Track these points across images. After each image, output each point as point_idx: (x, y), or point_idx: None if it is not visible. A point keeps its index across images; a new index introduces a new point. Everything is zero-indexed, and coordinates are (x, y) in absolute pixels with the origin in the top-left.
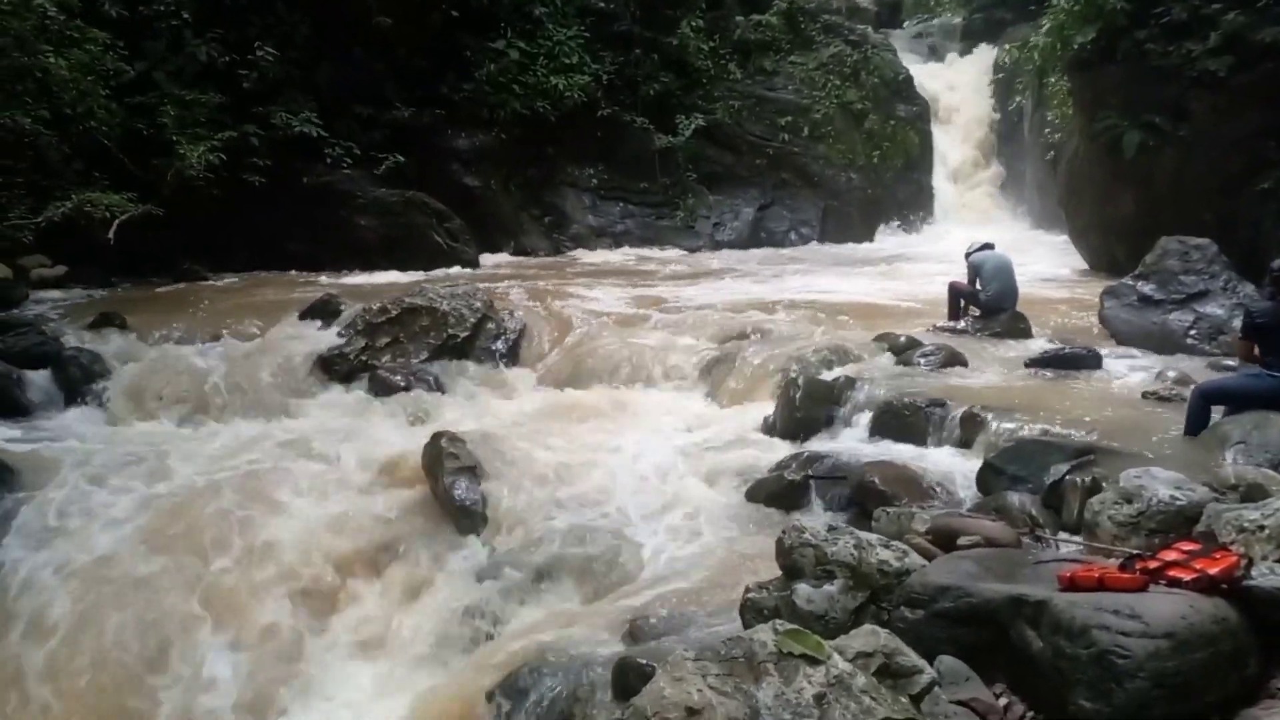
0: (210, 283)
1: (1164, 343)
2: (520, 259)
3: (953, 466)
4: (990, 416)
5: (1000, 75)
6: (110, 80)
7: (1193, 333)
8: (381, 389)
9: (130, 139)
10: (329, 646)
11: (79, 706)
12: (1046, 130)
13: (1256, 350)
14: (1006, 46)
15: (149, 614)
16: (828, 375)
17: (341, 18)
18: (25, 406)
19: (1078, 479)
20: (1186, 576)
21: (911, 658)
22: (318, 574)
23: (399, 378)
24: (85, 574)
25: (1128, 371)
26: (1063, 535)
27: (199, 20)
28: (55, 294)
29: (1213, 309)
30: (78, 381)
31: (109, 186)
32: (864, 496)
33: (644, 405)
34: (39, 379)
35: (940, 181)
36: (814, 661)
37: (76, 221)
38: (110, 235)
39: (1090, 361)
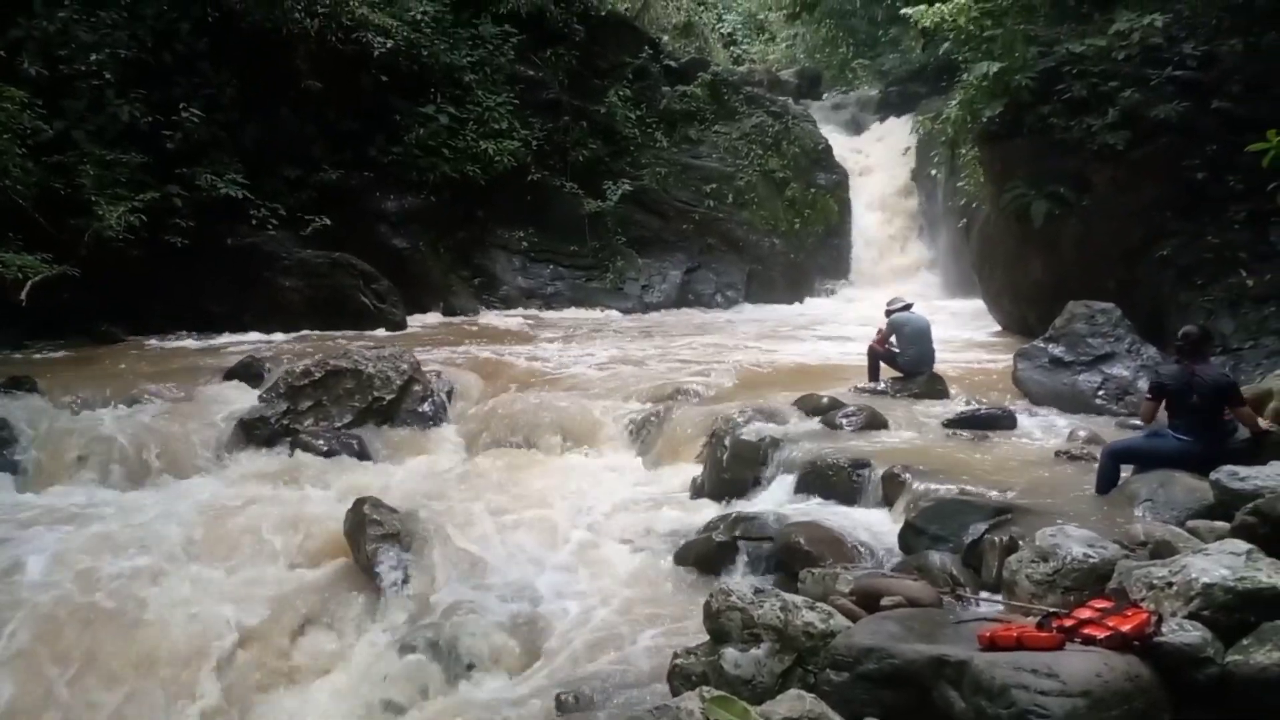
0: (128, 344)
1: (1074, 403)
2: (449, 320)
3: (876, 526)
4: (911, 477)
5: (916, 146)
6: (26, 139)
7: (1101, 393)
8: (304, 453)
9: (47, 198)
10: None
11: None
12: (959, 199)
13: (1163, 411)
14: (920, 118)
15: (44, 699)
16: (754, 436)
17: (270, 79)
18: None
19: (996, 538)
20: (1100, 634)
21: None
22: (233, 646)
23: (321, 442)
24: None
25: (1041, 431)
26: (983, 594)
27: (122, 80)
28: None
29: (1119, 370)
30: None
31: (22, 247)
32: (790, 557)
33: (572, 467)
34: None
35: (860, 247)
36: None
37: None
38: (22, 297)
39: (1006, 422)
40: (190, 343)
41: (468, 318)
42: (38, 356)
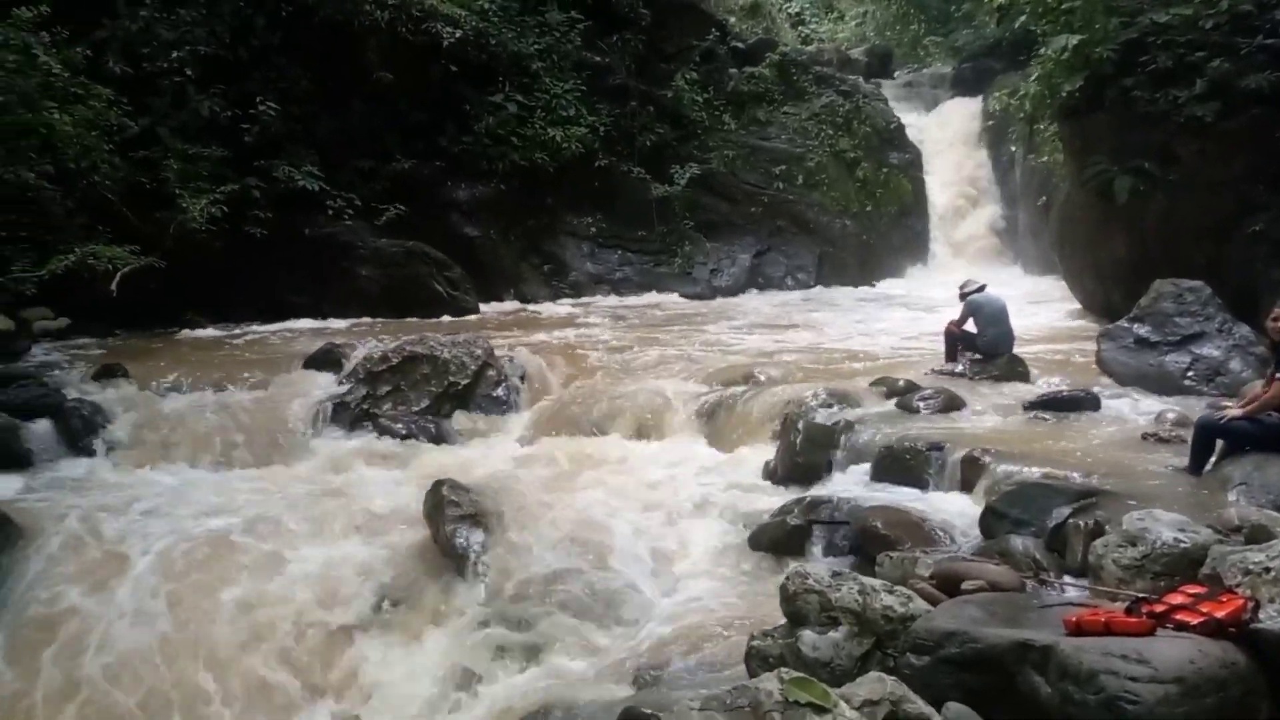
0: (212, 333)
1: (1162, 384)
2: (520, 306)
3: (954, 510)
4: (991, 460)
5: (991, 123)
6: (114, 135)
7: (1190, 374)
8: (383, 436)
9: (133, 193)
10: (329, 695)
11: None
12: (1037, 176)
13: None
14: (996, 95)
15: (149, 665)
16: (828, 420)
17: (342, 72)
18: (27, 458)
19: (1080, 522)
20: (1193, 620)
21: (919, 705)
22: (319, 622)
23: (400, 425)
24: (86, 626)
25: (1127, 413)
26: (1067, 579)
27: (202, 76)
28: (58, 346)
29: (1209, 350)
30: (79, 432)
31: (112, 240)
32: (866, 541)
33: (645, 451)
34: (40, 430)
35: (935, 227)
36: (820, 710)
37: (79, 274)
38: (113, 288)
39: (1089, 403)
40: (271, 331)
41: (537, 304)
42: (127, 345)
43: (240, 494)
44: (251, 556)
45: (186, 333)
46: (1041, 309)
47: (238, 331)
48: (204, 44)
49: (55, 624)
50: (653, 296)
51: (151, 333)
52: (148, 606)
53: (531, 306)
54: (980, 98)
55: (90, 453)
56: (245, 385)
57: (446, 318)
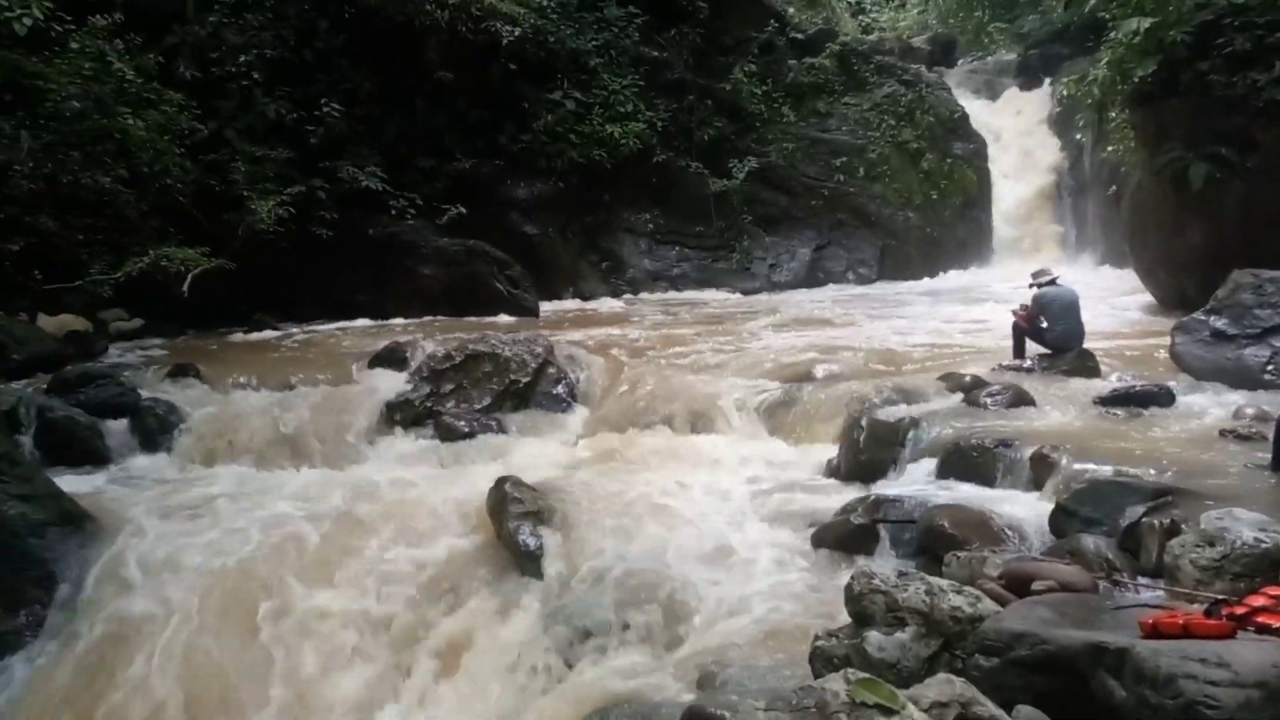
0: (280, 333)
1: (1240, 378)
2: (578, 304)
3: (1023, 509)
4: (1061, 457)
5: (1059, 110)
6: (185, 139)
7: (1270, 367)
8: (447, 435)
9: (203, 195)
10: (391, 688)
11: None
12: (1107, 165)
13: None
14: (1064, 81)
15: (222, 658)
16: (892, 416)
17: (404, 73)
18: (105, 455)
19: (1155, 521)
20: (1276, 623)
21: (989, 707)
22: (383, 618)
23: (463, 423)
24: (160, 620)
25: (1203, 409)
26: (1142, 580)
27: (268, 79)
28: (132, 346)
29: None
30: (154, 430)
31: (183, 241)
32: (933, 541)
33: (706, 448)
34: (117, 428)
35: (1000, 219)
36: (888, 711)
37: (153, 276)
38: (184, 289)
39: (1163, 399)
40: (336, 329)
41: (596, 301)
42: (198, 345)
43: (309, 491)
44: (320, 552)
45: (255, 333)
46: (1112, 302)
47: (304, 331)
48: (270, 47)
49: (131, 618)
50: (711, 292)
51: (221, 333)
52: (219, 601)
53: (590, 304)
54: (1047, 85)
55: (165, 450)
56: (312, 384)
57: (506, 316)
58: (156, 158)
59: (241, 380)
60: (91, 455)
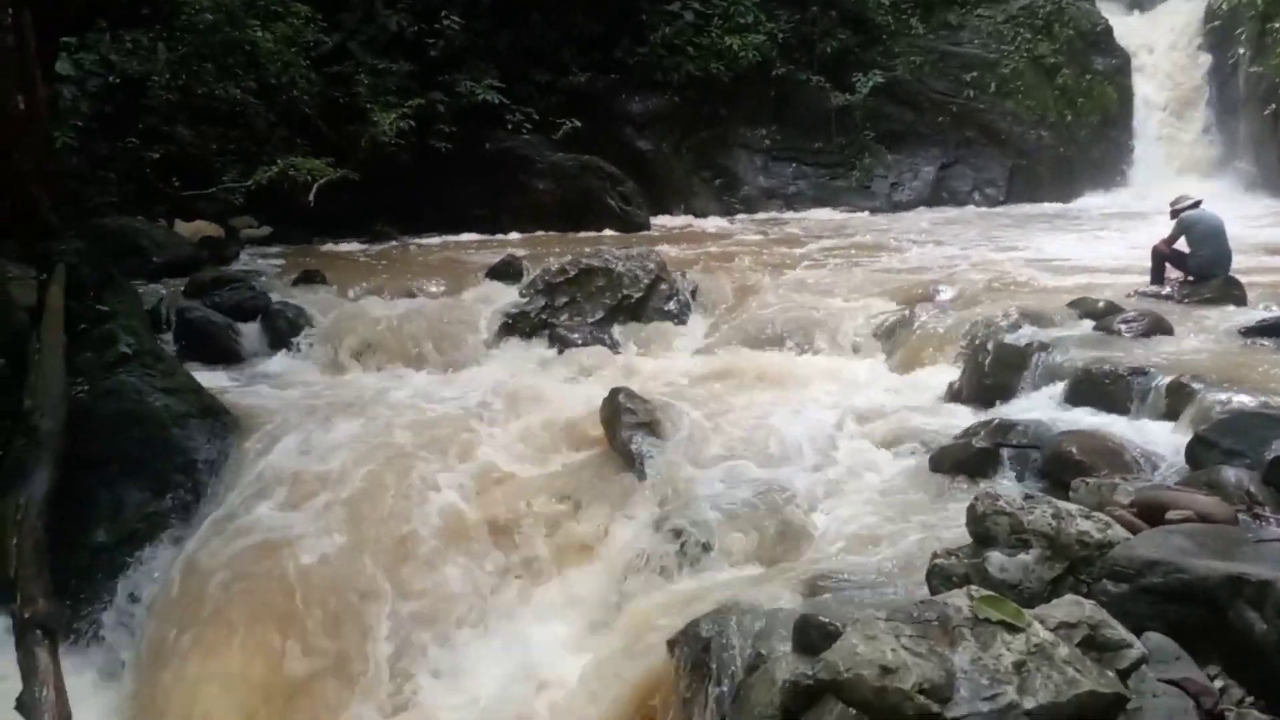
0: (400, 244)
1: None
2: (690, 221)
3: (1156, 439)
4: (1200, 387)
5: (1214, 24)
6: (310, 51)
7: None
8: (561, 346)
9: (328, 107)
10: (506, 588)
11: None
12: (1264, 82)
13: None
14: None
15: (351, 554)
16: (1020, 340)
17: None
18: (239, 355)
19: None
20: None
21: (1120, 631)
22: (504, 519)
23: (576, 336)
24: (292, 517)
25: None
26: None
27: None
28: (260, 253)
29: None
30: (284, 332)
31: (309, 152)
32: (1059, 467)
33: (820, 368)
34: (249, 330)
35: (1141, 138)
36: (1013, 629)
37: (280, 185)
38: (310, 198)
39: None
40: (453, 242)
41: (708, 219)
42: (322, 252)
43: (430, 395)
44: (442, 454)
45: (376, 243)
46: (1263, 228)
47: (422, 242)
48: None
49: (269, 507)
50: (828, 211)
51: (344, 242)
52: (348, 499)
53: (702, 221)
54: None
55: (294, 352)
56: (432, 294)
57: (618, 232)
58: (284, 69)
59: (365, 287)
60: (226, 355)
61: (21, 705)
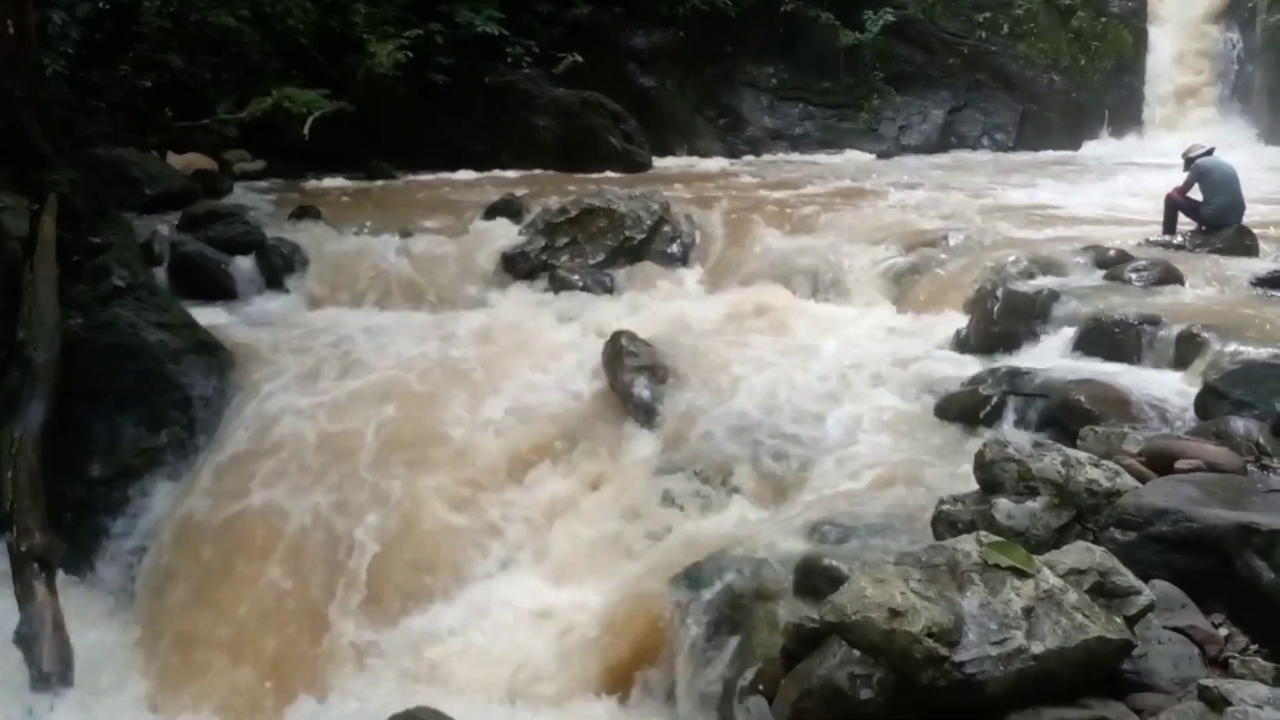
0: (397, 180)
1: None
2: (693, 161)
3: (1165, 389)
4: (1211, 337)
5: None
6: None
7: None
8: (561, 287)
9: (324, 37)
10: (509, 527)
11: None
12: None
13: None
14: None
15: (346, 487)
16: (1030, 288)
17: None
18: (232, 291)
19: None
20: None
21: (1129, 578)
22: (501, 459)
23: (577, 277)
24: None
25: None
26: None
27: None
28: (254, 188)
29: None
30: (279, 269)
31: (304, 84)
32: (1066, 415)
33: (824, 312)
34: (244, 265)
35: (1154, 85)
36: (1022, 575)
37: (275, 118)
38: (305, 132)
39: None
40: (451, 179)
41: (712, 160)
42: (318, 188)
43: (426, 333)
44: (438, 393)
45: (372, 179)
46: (1277, 178)
47: (418, 179)
48: None
49: (263, 443)
50: (834, 154)
51: (340, 178)
52: (344, 437)
53: (705, 162)
54: None
55: (287, 290)
56: (430, 231)
57: (619, 172)
58: None
59: (361, 225)
60: (220, 291)
61: (20, 637)
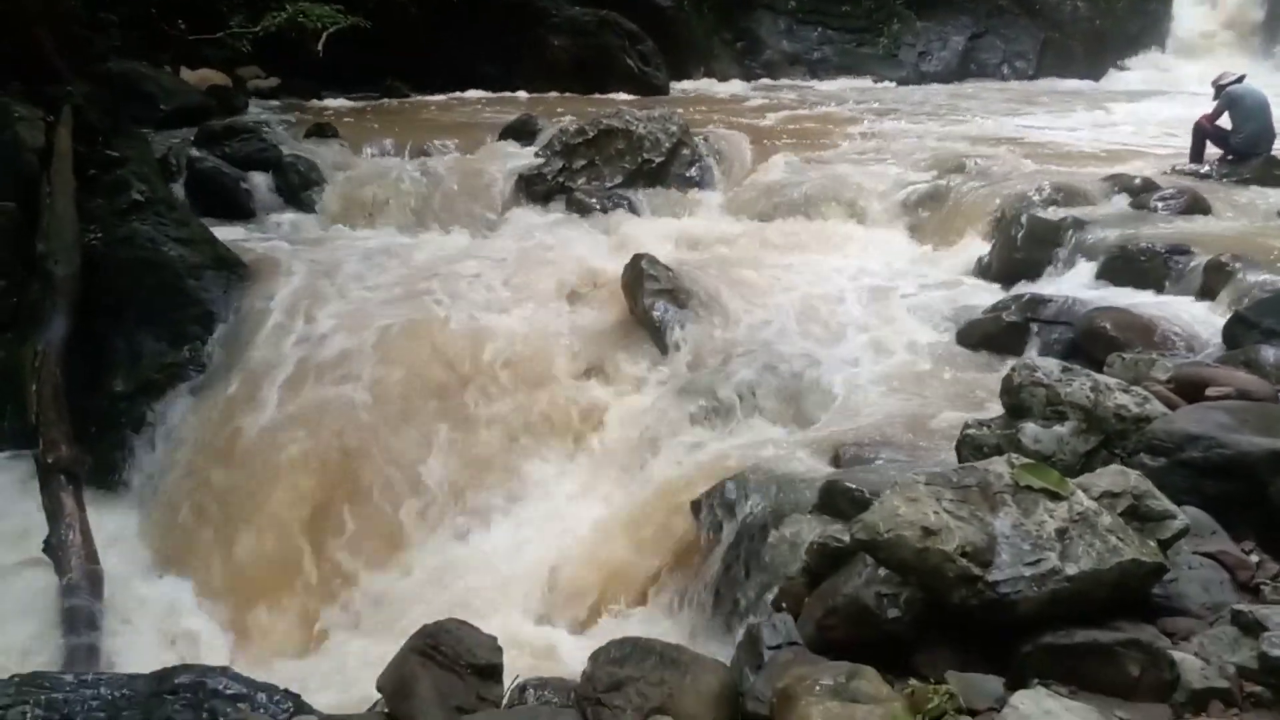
0: (411, 100)
1: None
2: (710, 85)
3: (1192, 317)
4: (1240, 266)
5: None
6: None
7: None
8: (579, 210)
9: None
10: (533, 449)
11: (302, 489)
12: None
13: None
14: None
15: (365, 405)
16: (1053, 215)
17: None
18: (249, 209)
19: None
20: None
21: (1164, 502)
22: (520, 380)
23: (594, 200)
24: (306, 365)
25: None
26: None
27: None
28: (268, 106)
29: None
30: (296, 187)
31: None
32: (1091, 343)
33: (847, 237)
34: (261, 182)
35: (1180, 11)
36: (1055, 497)
37: (289, 33)
38: (319, 48)
39: None
40: (465, 99)
41: (729, 83)
42: (333, 108)
43: (444, 255)
44: (459, 312)
45: (386, 99)
46: None
47: (431, 99)
48: None
49: (280, 356)
50: (853, 79)
51: (354, 97)
52: (364, 354)
53: (722, 85)
54: None
55: (305, 208)
56: (445, 152)
57: (635, 95)
58: None
59: (379, 144)
60: (237, 208)
61: (49, 547)
